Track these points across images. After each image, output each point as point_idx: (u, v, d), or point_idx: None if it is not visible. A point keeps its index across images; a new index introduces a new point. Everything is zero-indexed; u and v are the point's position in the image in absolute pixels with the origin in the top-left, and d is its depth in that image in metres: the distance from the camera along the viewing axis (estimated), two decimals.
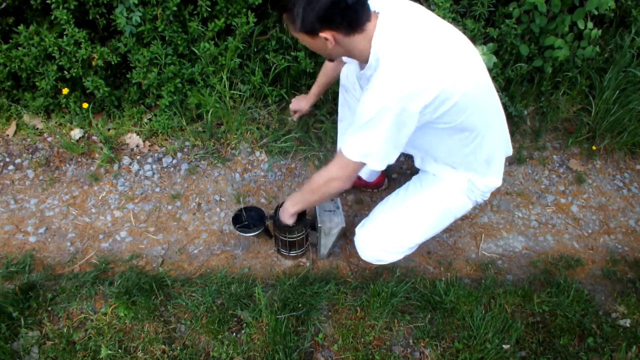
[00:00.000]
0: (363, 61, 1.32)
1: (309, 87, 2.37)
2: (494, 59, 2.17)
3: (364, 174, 2.13)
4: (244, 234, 1.77)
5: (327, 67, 1.86)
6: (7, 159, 2.16)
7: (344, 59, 1.72)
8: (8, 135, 2.20)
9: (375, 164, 1.31)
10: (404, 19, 1.24)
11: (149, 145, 2.24)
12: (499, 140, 1.50)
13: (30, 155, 2.17)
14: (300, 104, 2.02)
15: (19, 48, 2.00)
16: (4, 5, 1.94)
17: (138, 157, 2.21)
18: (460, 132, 1.36)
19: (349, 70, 1.80)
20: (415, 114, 1.21)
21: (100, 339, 1.58)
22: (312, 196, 1.55)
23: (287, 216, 1.66)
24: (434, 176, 1.59)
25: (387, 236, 1.59)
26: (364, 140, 1.28)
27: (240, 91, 2.24)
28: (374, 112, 1.21)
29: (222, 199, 2.13)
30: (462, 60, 1.26)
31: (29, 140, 2.20)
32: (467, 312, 1.75)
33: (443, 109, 1.24)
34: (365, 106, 1.23)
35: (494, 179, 1.56)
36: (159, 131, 2.22)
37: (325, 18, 1.15)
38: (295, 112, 2.07)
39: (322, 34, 1.19)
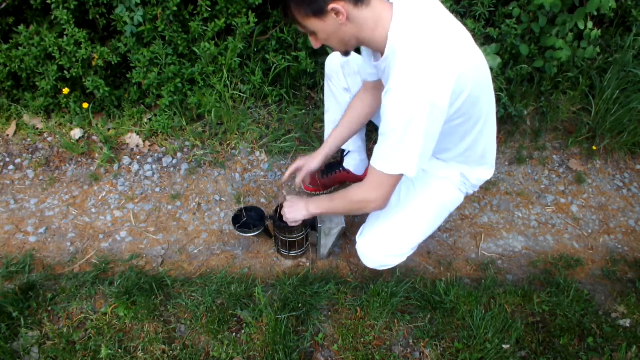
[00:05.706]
0: (376, 50, 1.29)
1: (308, 87, 2.38)
2: (499, 59, 2.17)
3: (352, 166, 2.10)
4: (244, 234, 1.77)
5: (355, 109, 1.68)
6: (7, 159, 2.16)
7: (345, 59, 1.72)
8: (8, 135, 2.20)
9: (413, 171, 1.24)
10: (416, 8, 1.21)
11: (149, 145, 2.24)
12: (493, 133, 1.51)
13: (30, 155, 2.17)
14: (310, 164, 1.70)
15: (19, 48, 2.00)
16: (4, 5, 1.94)
17: (138, 157, 2.21)
18: (466, 126, 1.35)
19: (332, 58, 1.78)
20: (444, 109, 1.17)
21: (100, 339, 1.58)
22: (341, 209, 1.54)
23: (302, 214, 1.59)
24: (424, 172, 1.57)
25: (388, 241, 1.58)
26: (399, 149, 1.20)
27: (240, 91, 2.24)
28: (404, 115, 1.15)
29: (222, 199, 2.13)
30: (470, 49, 1.25)
31: (29, 140, 2.20)
32: (467, 312, 1.75)
33: (461, 100, 1.22)
34: (393, 111, 1.16)
35: (486, 171, 1.57)
36: (159, 131, 2.22)
37: None
38: (296, 170, 1.72)
39: (331, 5, 1.14)
